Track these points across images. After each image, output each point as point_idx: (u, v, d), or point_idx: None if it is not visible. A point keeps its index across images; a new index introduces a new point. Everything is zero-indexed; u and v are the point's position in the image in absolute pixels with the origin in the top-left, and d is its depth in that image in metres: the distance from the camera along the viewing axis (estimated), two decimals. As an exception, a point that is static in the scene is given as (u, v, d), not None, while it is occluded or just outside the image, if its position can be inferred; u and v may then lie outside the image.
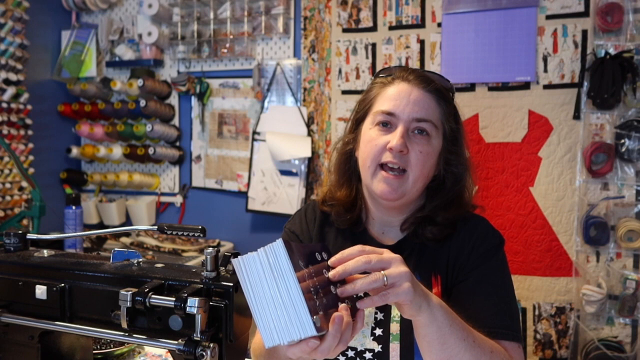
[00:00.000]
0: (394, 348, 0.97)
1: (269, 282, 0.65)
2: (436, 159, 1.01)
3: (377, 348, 0.98)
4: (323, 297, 0.68)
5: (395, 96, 0.99)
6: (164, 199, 2.70)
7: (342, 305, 0.70)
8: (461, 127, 1.06)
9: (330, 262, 0.73)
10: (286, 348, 0.66)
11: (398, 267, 0.73)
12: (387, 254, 0.74)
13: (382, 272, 0.72)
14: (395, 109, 0.98)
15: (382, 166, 0.98)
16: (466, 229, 1.02)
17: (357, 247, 0.74)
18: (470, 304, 0.93)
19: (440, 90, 1.00)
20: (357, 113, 1.08)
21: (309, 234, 1.12)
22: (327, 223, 1.12)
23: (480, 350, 0.83)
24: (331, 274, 0.71)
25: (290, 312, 0.64)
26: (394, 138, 0.96)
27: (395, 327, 0.97)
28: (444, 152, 1.02)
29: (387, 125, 0.99)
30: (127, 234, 2.45)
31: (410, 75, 1.01)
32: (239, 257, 0.67)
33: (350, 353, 1.00)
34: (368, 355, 0.98)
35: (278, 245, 0.65)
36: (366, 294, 1.04)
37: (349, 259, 0.72)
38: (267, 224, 2.47)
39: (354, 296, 0.78)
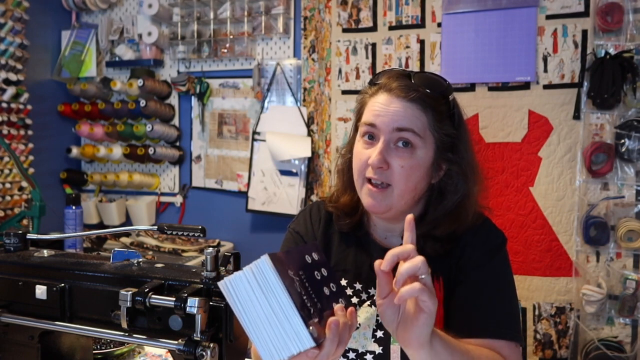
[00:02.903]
0: (395, 350, 0.97)
1: (260, 300, 0.64)
2: (425, 171, 0.97)
3: (378, 350, 0.98)
4: (317, 302, 0.68)
5: (377, 107, 0.97)
6: (164, 199, 2.70)
7: (337, 306, 0.70)
8: (463, 132, 1.02)
9: (383, 266, 0.73)
10: None
11: (428, 277, 0.73)
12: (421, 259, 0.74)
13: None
14: (376, 120, 0.96)
15: (369, 180, 0.97)
16: (469, 231, 1.00)
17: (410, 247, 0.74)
18: (471, 303, 0.93)
19: (423, 98, 0.95)
20: (354, 118, 1.08)
21: (313, 235, 1.11)
22: (332, 224, 1.11)
23: None
24: (381, 264, 0.73)
25: (286, 327, 0.63)
26: (374, 152, 0.94)
27: None
28: (438, 161, 0.98)
29: (372, 137, 0.97)
30: (127, 234, 2.45)
31: (394, 83, 0.97)
32: (224, 279, 0.66)
33: (352, 355, 1.00)
34: (369, 357, 0.98)
35: (264, 261, 0.64)
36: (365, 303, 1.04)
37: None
38: (267, 224, 2.47)
39: (345, 295, 0.78)
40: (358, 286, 1.03)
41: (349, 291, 1.03)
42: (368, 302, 1.00)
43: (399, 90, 0.96)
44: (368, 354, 0.98)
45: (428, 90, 0.96)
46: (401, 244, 1.02)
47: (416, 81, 0.97)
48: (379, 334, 0.98)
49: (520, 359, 0.94)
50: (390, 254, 0.73)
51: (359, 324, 0.99)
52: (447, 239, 0.98)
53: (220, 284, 0.66)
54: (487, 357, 0.87)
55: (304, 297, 0.66)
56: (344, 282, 1.04)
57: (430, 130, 0.96)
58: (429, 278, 0.72)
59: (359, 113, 1.04)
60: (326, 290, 0.72)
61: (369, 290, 1.02)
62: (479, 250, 0.99)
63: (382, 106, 0.96)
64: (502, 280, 0.98)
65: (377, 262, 0.73)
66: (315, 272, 0.73)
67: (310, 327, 0.63)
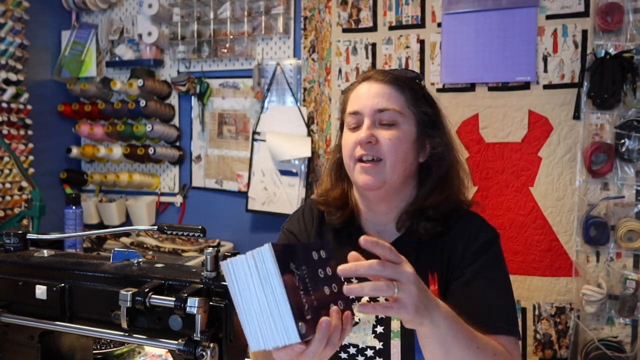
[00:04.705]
0: (395, 345, 0.98)
1: (256, 287, 0.64)
2: (412, 144, 1.02)
3: (379, 345, 0.99)
4: (314, 300, 0.68)
5: (358, 95, 1.04)
6: (164, 199, 2.70)
7: (333, 308, 0.70)
8: (437, 110, 1.09)
9: (341, 270, 0.71)
10: (273, 351, 0.66)
11: (409, 285, 0.70)
12: (405, 267, 0.72)
13: (395, 282, 0.69)
14: (359, 107, 1.03)
15: (360, 160, 1.01)
16: (459, 225, 1.03)
17: (377, 261, 0.71)
18: (467, 300, 0.94)
19: (400, 79, 1.04)
20: (339, 121, 1.14)
21: (307, 234, 1.13)
22: (324, 223, 1.13)
23: (484, 355, 0.83)
24: (340, 268, 0.70)
25: (276, 318, 0.63)
26: (361, 132, 1.00)
27: (395, 325, 0.98)
28: (422, 136, 1.04)
29: (357, 126, 1.03)
30: (127, 234, 2.45)
31: (370, 73, 1.07)
32: (227, 259, 0.66)
33: (352, 350, 1.01)
34: (369, 352, 0.99)
35: (265, 249, 0.64)
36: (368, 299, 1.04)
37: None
38: (267, 224, 2.47)
39: (347, 297, 0.78)
40: (355, 282, 1.03)
41: None
42: (366, 298, 1.01)
43: (377, 75, 1.05)
44: (368, 349, 1.00)
45: (402, 75, 1.06)
46: (395, 240, 1.05)
47: (390, 71, 1.07)
48: (379, 329, 0.99)
49: (519, 353, 0.94)
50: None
51: (359, 319, 1.00)
52: (439, 218, 1.02)
53: (222, 263, 0.67)
54: (495, 345, 0.88)
55: (301, 292, 0.66)
56: None
57: (409, 108, 1.03)
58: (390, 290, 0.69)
59: (342, 111, 1.11)
60: (327, 290, 0.72)
61: None
62: (472, 247, 1.00)
63: (363, 92, 1.04)
64: (497, 275, 0.99)
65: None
66: (319, 270, 0.72)
67: (300, 323, 0.63)
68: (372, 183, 0.99)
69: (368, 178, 0.99)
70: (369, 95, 1.02)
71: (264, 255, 0.64)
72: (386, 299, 0.72)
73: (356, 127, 1.03)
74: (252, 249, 0.66)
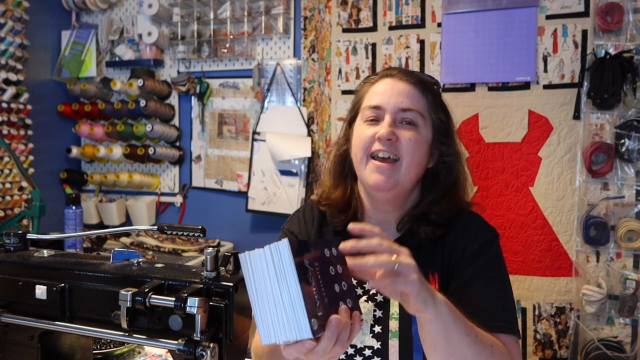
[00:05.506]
0: (393, 345, 0.98)
1: (272, 281, 0.65)
2: (427, 148, 1.02)
3: (377, 345, 0.99)
4: (325, 297, 0.68)
5: (380, 91, 1.02)
6: (164, 199, 2.70)
7: (342, 307, 0.70)
8: (451, 119, 1.09)
9: (343, 245, 0.73)
10: (282, 347, 0.66)
11: (408, 258, 0.73)
12: (398, 247, 0.75)
13: (394, 257, 0.72)
14: (381, 102, 1.01)
15: (374, 156, 0.99)
16: (459, 225, 1.03)
17: (375, 239, 0.74)
18: (467, 300, 0.94)
19: (423, 81, 1.04)
20: (349, 113, 1.11)
21: (307, 234, 1.13)
22: (325, 223, 1.12)
23: (482, 345, 0.83)
24: (341, 245, 0.71)
25: (289, 313, 0.64)
26: (382, 127, 0.98)
27: (394, 324, 0.98)
28: (435, 142, 1.04)
29: (375, 120, 1.01)
30: (127, 234, 2.45)
31: (393, 70, 1.05)
32: (245, 252, 0.67)
33: (350, 350, 1.00)
34: (367, 352, 0.99)
35: (283, 245, 0.64)
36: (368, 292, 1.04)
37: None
38: (267, 224, 2.47)
39: (355, 295, 0.78)
40: (353, 281, 1.03)
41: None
42: (364, 298, 1.01)
43: (401, 74, 1.03)
44: (367, 349, 0.99)
45: (425, 79, 1.05)
46: (396, 239, 1.04)
47: (414, 72, 1.06)
48: (377, 329, 0.99)
49: (520, 351, 0.95)
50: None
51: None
52: (439, 223, 1.01)
53: (241, 255, 0.67)
54: (492, 338, 0.88)
55: (314, 289, 0.66)
56: None
57: (429, 112, 1.03)
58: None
59: (357, 103, 1.08)
60: (337, 287, 0.71)
61: (365, 285, 1.02)
62: (471, 247, 1.00)
63: (386, 87, 1.02)
64: (497, 275, 0.99)
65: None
66: (330, 267, 0.72)
67: (312, 320, 0.63)
68: (384, 184, 0.98)
69: (381, 178, 0.98)
70: (393, 93, 1.00)
71: (281, 251, 0.64)
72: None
73: (374, 121, 1.01)
74: (256, 247, 0.66)
